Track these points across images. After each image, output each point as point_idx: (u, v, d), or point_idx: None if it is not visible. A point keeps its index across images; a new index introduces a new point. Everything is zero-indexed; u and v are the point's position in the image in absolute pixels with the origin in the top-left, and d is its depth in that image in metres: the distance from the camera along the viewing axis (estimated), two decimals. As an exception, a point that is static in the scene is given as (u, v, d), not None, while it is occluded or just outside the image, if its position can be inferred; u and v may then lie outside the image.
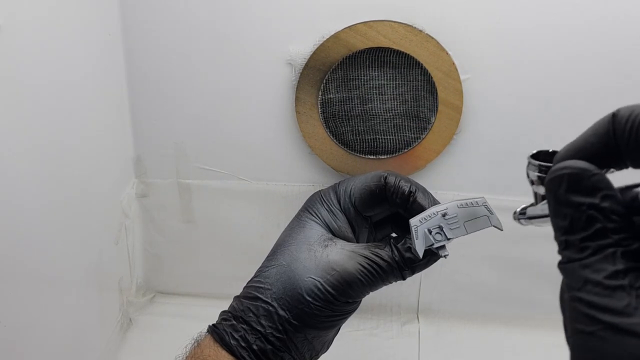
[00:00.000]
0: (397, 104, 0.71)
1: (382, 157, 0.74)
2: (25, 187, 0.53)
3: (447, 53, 0.67)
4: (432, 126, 0.71)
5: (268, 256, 0.46)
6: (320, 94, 0.71)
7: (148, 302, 0.87)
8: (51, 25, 0.56)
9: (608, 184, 0.23)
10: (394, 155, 0.73)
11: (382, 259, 0.39)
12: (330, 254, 0.39)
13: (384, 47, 0.68)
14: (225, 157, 0.78)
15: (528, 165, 0.30)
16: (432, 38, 0.67)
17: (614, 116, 0.24)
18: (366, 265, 0.38)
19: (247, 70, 0.72)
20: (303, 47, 0.69)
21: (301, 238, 0.42)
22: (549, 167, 0.27)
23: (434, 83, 0.69)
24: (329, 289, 0.38)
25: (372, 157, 0.74)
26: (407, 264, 0.39)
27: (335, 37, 0.68)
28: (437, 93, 0.69)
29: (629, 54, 0.67)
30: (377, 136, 0.73)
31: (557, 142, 0.77)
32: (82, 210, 0.65)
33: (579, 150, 0.25)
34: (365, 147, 0.74)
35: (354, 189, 0.44)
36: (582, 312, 0.22)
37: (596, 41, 0.67)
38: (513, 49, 0.68)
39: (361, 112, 0.72)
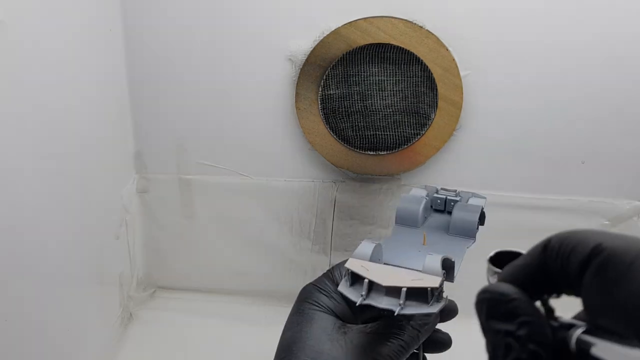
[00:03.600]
0: (397, 100, 0.71)
1: (382, 153, 0.74)
2: (26, 183, 0.53)
3: (447, 49, 0.67)
4: (432, 122, 0.71)
5: (281, 355, 0.41)
6: (320, 90, 0.71)
7: (149, 297, 0.88)
8: (52, 21, 0.56)
9: (527, 311, 0.22)
10: (393, 151, 0.73)
11: (401, 329, 0.38)
12: (354, 340, 0.38)
13: (384, 43, 0.68)
14: (226, 152, 0.78)
15: (487, 271, 0.29)
16: (432, 34, 0.67)
17: (545, 247, 0.23)
18: (393, 340, 0.37)
19: (248, 66, 0.72)
20: (303, 43, 0.69)
21: (316, 330, 0.39)
22: None
23: (433, 79, 0.69)
24: None
25: (372, 153, 0.74)
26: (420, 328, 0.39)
27: (336, 33, 0.68)
28: (437, 89, 0.69)
29: (630, 52, 0.67)
30: (377, 132, 0.73)
31: (556, 139, 0.78)
32: (83, 205, 0.65)
33: (515, 277, 0.25)
34: (365, 143, 0.74)
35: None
36: None
37: (596, 38, 0.67)
38: (513, 45, 0.68)
39: (361, 108, 0.72)
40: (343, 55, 0.69)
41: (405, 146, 0.73)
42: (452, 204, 0.49)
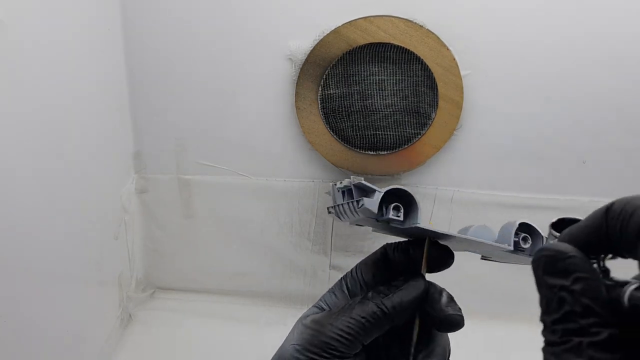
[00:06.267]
0: (397, 100, 0.71)
1: (382, 152, 0.73)
2: (25, 183, 0.52)
3: (447, 49, 0.67)
4: (432, 122, 0.71)
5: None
6: (320, 89, 0.71)
7: (148, 298, 0.87)
8: (51, 20, 0.56)
9: (583, 267, 0.23)
10: (394, 151, 0.73)
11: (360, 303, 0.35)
12: (308, 319, 0.37)
13: (384, 43, 0.67)
14: (225, 152, 0.78)
15: (549, 235, 0.30)
16: (433, 33, 0.67)
17: (608, 210, 0.24)
18: (344, 314, 0.34)
19: (247, 66, 0.72)
20: (303, 43, 0.69)
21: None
22: None
23: (434, 79, 0.68)
24: (307, 345, 0.35)
25: (372, 152, 0.74)
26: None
27: (336, 32, 0.68)
28: (437, 89, 0.69)
29: (630, 52, 0.67)
30: (377, 132, 0.73)
31: (556, 138, 0.78)
32: (82, 205, 0.65)
33: (575, 237, 0.25)
34: (365, 143, 0.73)
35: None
36: None
37: (597, 38, 0.66)
38: (514, 45, 0.68)
39: (361, 108, 0.72)
40: (343, 54, 0.68)
41: (406, 146, 0.73)
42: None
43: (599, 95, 0.69)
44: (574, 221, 0.27)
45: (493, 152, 0.74)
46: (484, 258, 0.39)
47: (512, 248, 0.33)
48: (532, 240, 0.34)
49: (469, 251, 0.39)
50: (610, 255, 0.25)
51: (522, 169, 0.75)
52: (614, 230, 0.23)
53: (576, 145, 0.72)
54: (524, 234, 0.34)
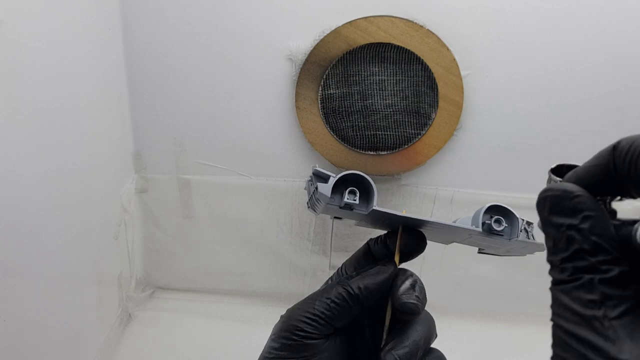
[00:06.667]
0: (397, 100, 0.71)
1: (382, 153, 0.73)
2: (24, 182, 0.52)
3: (447, 49, 0.67)
4: (432, 122, 0.71)
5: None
6: (320, 89, 0.71)
7: (147, 298, 0.87)
8: (51, 20, 0.56)
9: (591, 206, 0.23)
10: (394, 151, 0.73)
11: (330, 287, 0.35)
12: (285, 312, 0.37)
13: (384, 43, 0.67)
14: (225, 152, 0.78)
15: (548, 180, 0.30)
16: (433, 34, 0.67)
17: (615, 148, 0.24)
18: (312, 300, 0.35)
19: (247, 66, 0.72)
20: (303, 43, 0.69)
21: None
22: None
23: (434, 79, 0.69)
24: (279, 332, 0.35)
25: (372, 152, 0.74)
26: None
27: (336, 32, 0.67)
28: (437, 89, 0.69)
29: (630, 52, 0.67)
30: (378, 132, 0.73)
31: (557, 139, 0.78)
32: (82, 205, 0.65)
33: (580, 178, 0.25)
34: (366, 143, 0.73)
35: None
36: (559, 337, 0.22)
37: (597, 38, 0.66)
38: (514, 45, 0.68)
39: (361, 108, 0.72)
40: (343, 54, 0.68)
41: (406, 146, 0.73)
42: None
43: (599, 96, 0.69)
44: (573, 167, 0.27)
45: (493, 152, 0.74)
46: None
47: (480, 230, 0.33)
48: (508, 224, 0.33)
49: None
50: (618, 198, 0.24)
51: (521, 169, 0.75)
52: (621, 168, 0.23)
53: (576, 145, 0.72)
54: (497, 216, 0.33)
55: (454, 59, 0.68)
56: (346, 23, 0.67)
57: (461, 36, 0.67)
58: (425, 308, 0.35)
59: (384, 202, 0.78)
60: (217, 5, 0.69)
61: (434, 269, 0.82)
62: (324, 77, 0.70)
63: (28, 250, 0.54)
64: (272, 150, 0.77)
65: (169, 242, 0.86)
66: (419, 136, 0.72)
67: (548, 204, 0.24)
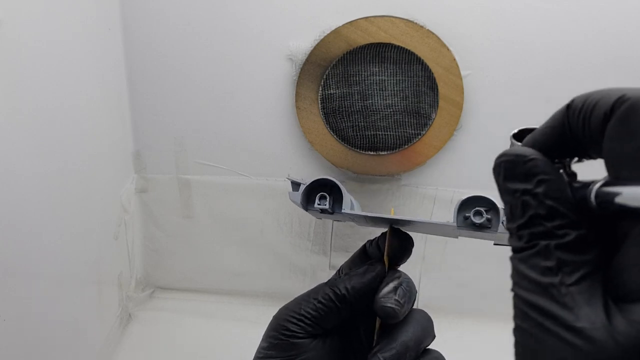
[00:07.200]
0: (397, 100, 0.71)
1: (382, 153, 0.73)
2: (25, 182, 0.52)
3: (448, 49, 0.67)
4: (432, 122, 0.71)
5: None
6: (320, 89, 0.71)
7: (147, 297, 0.87)
8: (51, 20, 0.56)
9: (545, 169, 0.21)
10: (394, 151, 0.73)
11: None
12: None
13: (384, 43, 0.67)
14: (225, 152, 0.78)
15: (510, 146, 0.29)
16: (433, 34, 0.67)
17: (568, 107, 0.23)
18: (295, 300, 0.36)
19: (247, 66, 0.72)
20: (303, 43, 0.69)
21: None
22: None
23: (434, 79, 0.68)
24: (269, 332, 0.36)
25: (372, 153, 0.74)
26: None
27: (336, 32, 0.67)
28: (437, 89, 0.69)
29: (630, 52, 0.67)
30: (378, 132, 0.73)
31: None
32: (82, 205, 0.65)
33: (537, 141, 0.24)
34: (366, 143, 0.73)
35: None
36: (519, 307, 0.21)
37: (597, 38, 0.66)
38: (514, 45, 0.68)
39: (361, 108, 0.72)
40: (343, 54, 0.68)
41: (406, 146, 0.73)
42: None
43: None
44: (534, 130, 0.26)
45: (493, 153, 0.73)
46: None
47: (455, 224, 0.33)
48: (493, 215, 0.33)
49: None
50: (576, 159, 0.23)
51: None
52: (576, 127, 0.22)
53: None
54: (477, 208, 0.33)
55: (454, 59, 0.68)
56: (346, 23, 0.67)
57: (461, 36, 0.67)
58: (425, 308, 0.35)
59: (384, 202, 0.78)
60: (217, 5, 0.69)
61: (434, 269, 0.82)
62: (324, 77, 0.70)
63: (28, 250, 0.54)
64: (272, 150, 0.77)
65: (169, 242, 0.86)
66: (419, 136, 0.72)
67: (502, 170, 0.23)
